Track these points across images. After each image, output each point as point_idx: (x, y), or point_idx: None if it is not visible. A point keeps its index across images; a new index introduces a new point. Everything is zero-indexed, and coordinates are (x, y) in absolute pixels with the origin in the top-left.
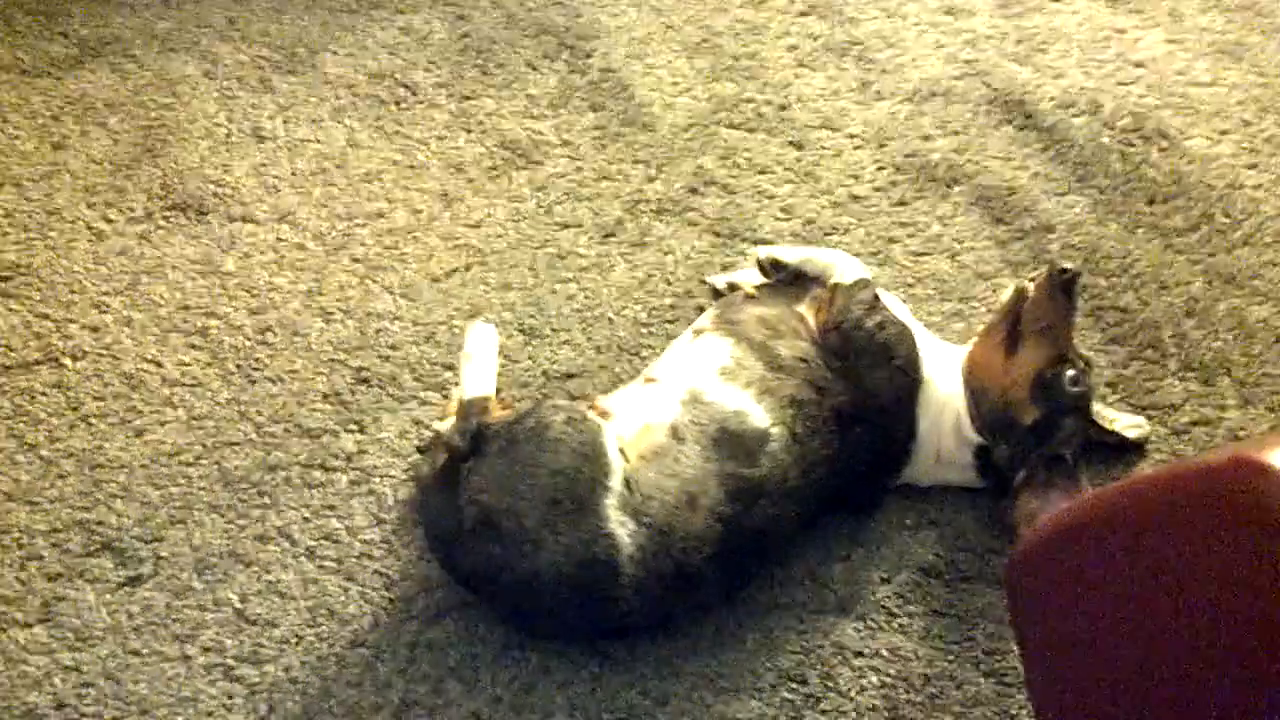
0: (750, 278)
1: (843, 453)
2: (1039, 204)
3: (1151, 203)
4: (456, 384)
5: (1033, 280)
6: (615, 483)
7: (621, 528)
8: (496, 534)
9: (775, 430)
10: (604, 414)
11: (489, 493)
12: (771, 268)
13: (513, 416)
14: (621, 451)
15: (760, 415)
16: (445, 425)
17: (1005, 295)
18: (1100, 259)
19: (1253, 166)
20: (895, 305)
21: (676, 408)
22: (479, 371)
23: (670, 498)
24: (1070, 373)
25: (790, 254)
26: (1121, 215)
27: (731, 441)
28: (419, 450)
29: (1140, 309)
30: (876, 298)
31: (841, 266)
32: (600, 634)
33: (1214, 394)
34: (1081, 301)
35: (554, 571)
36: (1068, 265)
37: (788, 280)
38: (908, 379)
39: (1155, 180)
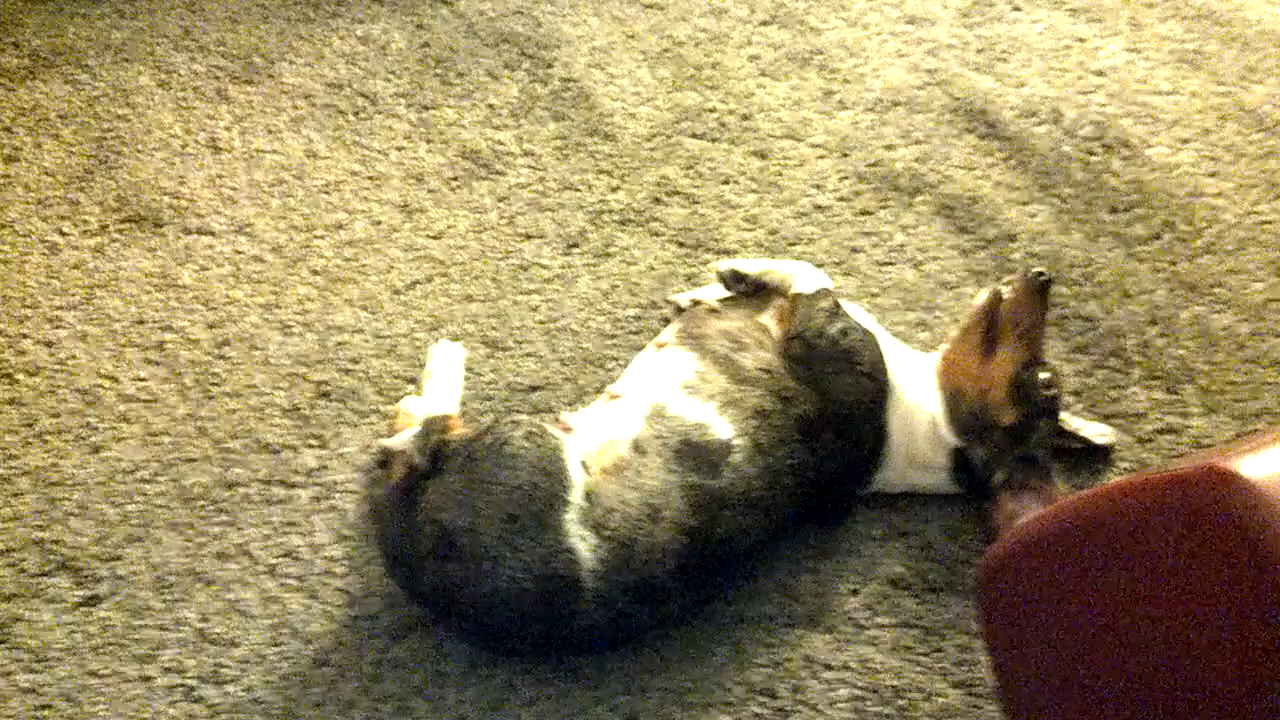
0: (713, 294)
1: (810, 461)
2: (1002, 213)
3: (1114, 211)
4: (407, 395)
5: (1008, 284)
6: (575, 497)
7: (582, 542)
8: (455, 552)
9: (738, 441)
10: (565, 429)
11: (447, 511)
12: (733, 280)
13: (473, 434)
14: (584, 465)
15: (723, 427)
16: (394, 441)
17: (979, 299)
18: (1063, 268)
19: (1213, 174)
20: (859, 315)
21: (639, 423)
22: (442, 389)
23: (632, 510)
24: (1045, 375)
25: (751, 266)
26: (1084, 224)
27: (694, 453)
28: (379, 466)
29: (1104, 317)
30: (838, 305)
31: (802, 276)
32: (564, 649)
33: (1178, 402)
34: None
35: (514, 588)
36: (1042, 269)
37: (749, 292)
38: (874, 384)
39: (1117, 189)
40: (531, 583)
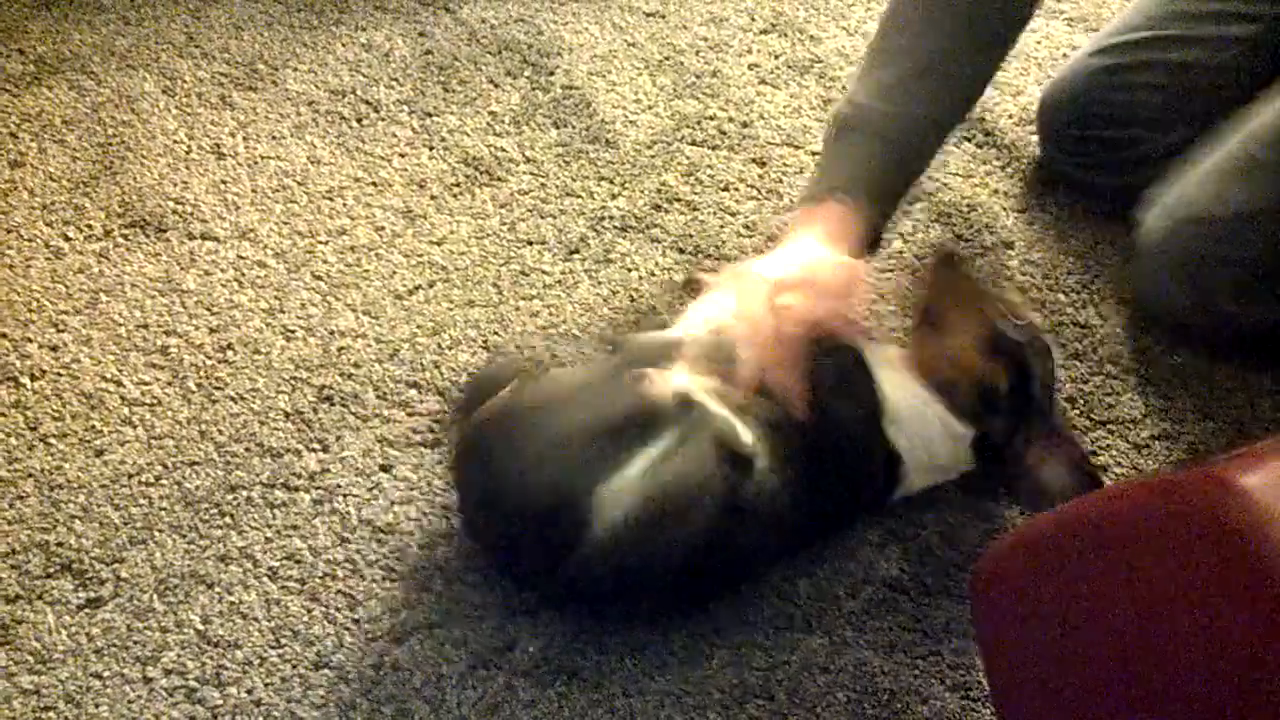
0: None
1: (819, 484)
2: (999, 220)
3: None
4: (408, 399)
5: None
6: (646, 461)
7: (614, 507)
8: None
9: (760, 448)
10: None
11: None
12: None
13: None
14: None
15: (745, 433)
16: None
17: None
18: (1060, 275)
19: None
20: None
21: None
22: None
23: (677, 503)
24: (1007, 322)
25: None
26: (1081, 231)
27: (725, 454)
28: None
29: (1100, 324)
30: None
31: None
32: (529, 585)
33: (1174, 409)
34: (1040, 317)
35: (542, 478)
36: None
37: None
38: (865, 407)
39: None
40: (548, 495)
